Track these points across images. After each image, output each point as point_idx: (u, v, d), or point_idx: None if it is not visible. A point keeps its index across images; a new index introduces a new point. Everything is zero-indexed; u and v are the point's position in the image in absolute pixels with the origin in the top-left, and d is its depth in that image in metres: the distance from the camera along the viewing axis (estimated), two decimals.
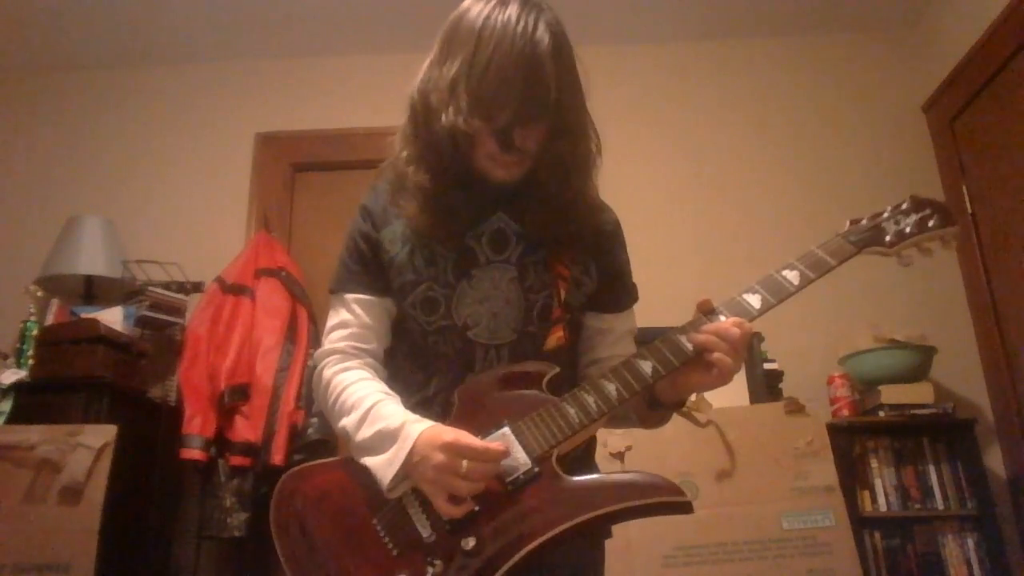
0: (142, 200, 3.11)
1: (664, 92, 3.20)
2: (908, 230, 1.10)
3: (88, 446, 2.02)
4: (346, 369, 1.13)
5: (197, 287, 2.75)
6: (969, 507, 2.44)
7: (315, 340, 2.68)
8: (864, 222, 1.13)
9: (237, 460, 2.42)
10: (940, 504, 2.46)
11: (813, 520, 2.02)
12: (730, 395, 2.47)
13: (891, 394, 2.51)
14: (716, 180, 3.06)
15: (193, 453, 2.40)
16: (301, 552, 1.04)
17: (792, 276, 1.06)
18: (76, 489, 1.98)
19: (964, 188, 2.86)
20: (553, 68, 1.01)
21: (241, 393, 2.49)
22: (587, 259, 1.18)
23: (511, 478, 0.97)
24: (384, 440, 1.01)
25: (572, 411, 1.01)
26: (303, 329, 2.67)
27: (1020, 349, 2.60)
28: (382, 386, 1.11)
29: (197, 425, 2.43)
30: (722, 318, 1.03)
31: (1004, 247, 2.68)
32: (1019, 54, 2.54)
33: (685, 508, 0.96)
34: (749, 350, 2.53)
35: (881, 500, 2.47)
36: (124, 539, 2.26)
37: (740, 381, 2.54)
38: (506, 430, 1.01)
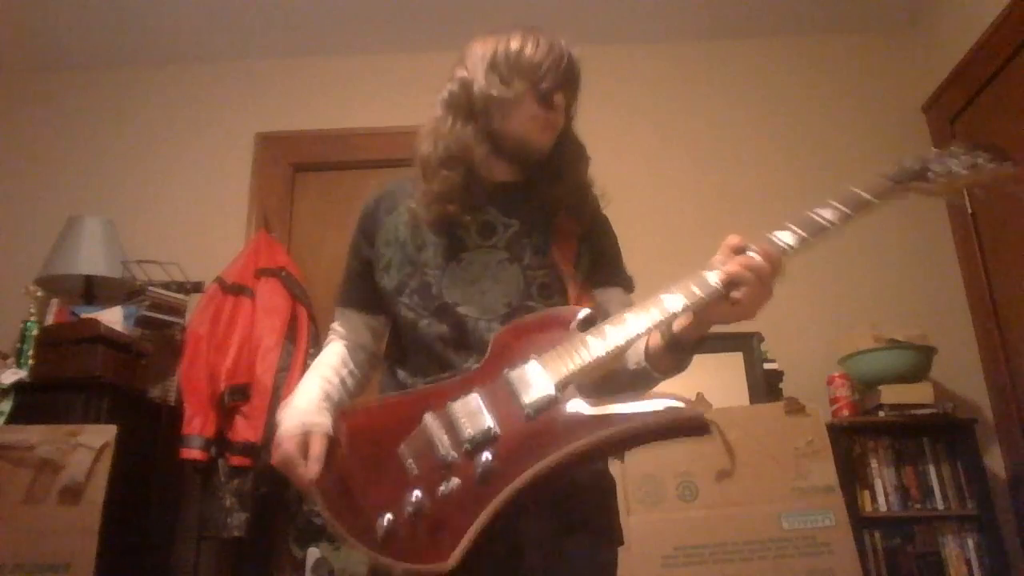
0: (142, 200, 3.11)
1: (664, 92, 3.20)
2: (957, 169, 1.09)
3: (88, 446, 2.03)
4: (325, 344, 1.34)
5: (197, 287, 2.75)
6: (969, 507, 2.44)
7: (315, 340, 2.68)
8: (906, 163, 1.10)
9: (237, 460, 2.42)
10: (940, 504, 2.46)
11: (813, 520, 2.02)
12: (730, 395, 2.47)
13: (891, 394, 2.50)
14: (716, 180, 3.06)
15: (193, 453, 2.40)
16: (332, 486, 1.07)
17: (827, 213, 1.05)
18: (76, 489, 1.98)
19: (963, 188, 2.85)
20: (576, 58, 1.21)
21: (241, 393, 2.49)
22: (583, 238, 1.24)
23: (530, 401, 1.00)
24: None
25: (595, 341, 1.03)
26: (303, 329, 2.67)
27: (1020, 349, 2.60)
28: (329, 365, 1.27)
29: (197, 425, 2.43)
30: (752, 254, 1.01)
31: (1004, 247, 2.68)
32: (1019, 54, 2.54)
33: (703, 428, 0.97)
34: (750, 349, 2.54)
35: (881, 500, 2.47)
36: (124, 539, 2.25)
37: (740, 381, 2.54)
38: (532, 362, 1.03)
